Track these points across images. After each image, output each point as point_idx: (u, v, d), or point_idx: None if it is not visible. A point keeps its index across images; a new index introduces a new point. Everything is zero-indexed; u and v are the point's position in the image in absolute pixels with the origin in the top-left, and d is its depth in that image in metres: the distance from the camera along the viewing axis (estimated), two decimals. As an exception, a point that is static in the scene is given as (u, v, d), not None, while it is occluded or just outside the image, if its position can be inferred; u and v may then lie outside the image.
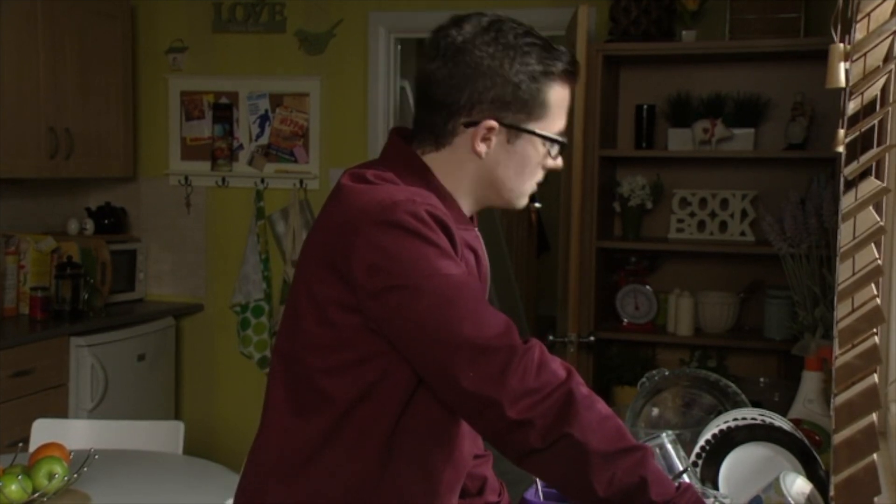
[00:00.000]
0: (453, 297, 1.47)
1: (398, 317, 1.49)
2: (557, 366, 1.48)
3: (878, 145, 1.52)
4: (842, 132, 1.69)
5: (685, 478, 1.83)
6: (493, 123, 1.60)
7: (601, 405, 1.47)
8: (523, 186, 1.69)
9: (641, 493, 1.42)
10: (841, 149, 1.63)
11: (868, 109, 1.51)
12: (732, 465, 1.93)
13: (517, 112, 1.61)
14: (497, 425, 1.45)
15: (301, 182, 4.86)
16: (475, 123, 1.60)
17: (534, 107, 1.61)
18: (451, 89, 1.60)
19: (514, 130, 1.62)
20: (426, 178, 1.63)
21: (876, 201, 1.51)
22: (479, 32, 1.60)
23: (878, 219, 1.51)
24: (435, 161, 1.65)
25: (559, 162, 1.70)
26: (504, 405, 1.42)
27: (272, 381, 1.65)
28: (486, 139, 1.61)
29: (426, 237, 1.49)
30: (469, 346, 1.44)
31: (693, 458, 1.96)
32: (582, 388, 1.46)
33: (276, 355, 1.66)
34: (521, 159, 1.65)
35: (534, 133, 1.63)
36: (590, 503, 1.46)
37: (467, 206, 1.69)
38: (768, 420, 1.97)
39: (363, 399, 1.56)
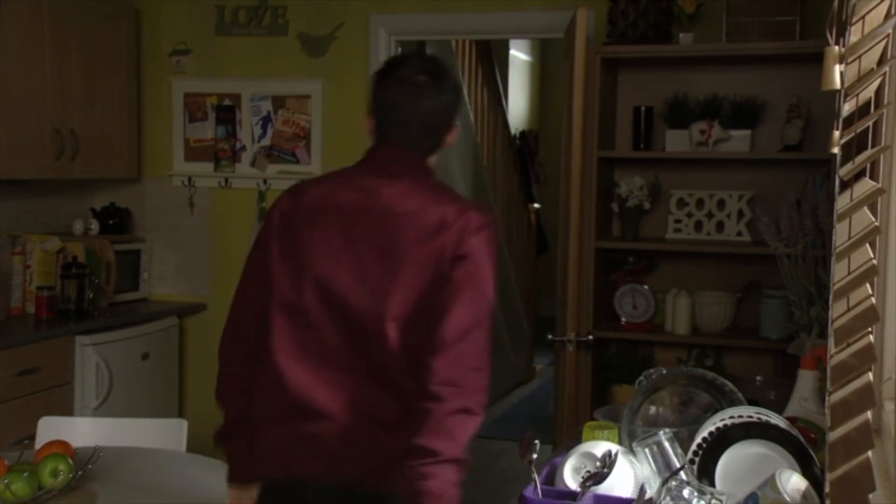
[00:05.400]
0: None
1: None
2: None
3: (873, 146, 1.54)
4: (837, 134, 1.71)
5: (682, 475, 1.86)
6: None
7: None
8: None
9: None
10: (836, 150, 1.65)
11: (863, 111, 1.53)
12: (729, 462, 1.95)
13: None
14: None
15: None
16: (453, 126, 2.25)
17: None
18: (455, 112, 2.24)
19: None
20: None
21: (871, 202, 1.53)
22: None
23: (873, 219, 1.53)
24: (431, 161, 2.23)
25: None
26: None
27: (386, 344, 2.02)
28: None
29: None
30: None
31: (690, 455, 1.98)
32: None
33: (391, 320, 2.03)
34: None
35: None
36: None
37: None
38: (764, 418, 1.99)
39: None
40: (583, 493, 1.97)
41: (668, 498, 1.77)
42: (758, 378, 3.37)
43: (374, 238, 2.08)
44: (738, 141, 4.06)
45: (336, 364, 2.08)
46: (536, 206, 8.28)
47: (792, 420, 2.19)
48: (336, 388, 2.06)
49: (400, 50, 4.91)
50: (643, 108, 4.17)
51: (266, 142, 4.99)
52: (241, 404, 2.19)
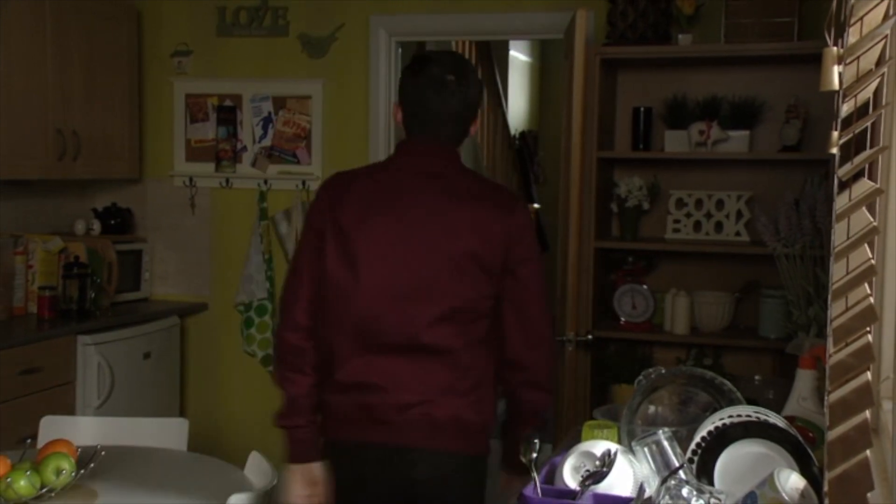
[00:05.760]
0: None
1: None
2: None
3: (871, 147, 1.54)
4: (835, 134, 1.70)
5: (681, 474, 1.87)
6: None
7: None
8: None
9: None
10: (835, 150, 1.65)
11: (861, 112, 1.52)
12: (728, 461, 1.94)
13: None
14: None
15: (303, 183, 4.90)
16: (476, 118, 2.46)
17: None
18: (479, 106, 2.45)
19: None
20: None
21: (869, 202, 1.53)
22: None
23: (872, 219, 1.52)
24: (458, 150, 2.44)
25: None
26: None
27: (439, 329, 2.26)
28: None
29: None
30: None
31: (689, 454, 1.98)
32: None
33: (442, 307, 2.27)
34: None
35: None
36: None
37: None
38: (763, 417, 1.99)
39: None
40: (582, 492, 1.98)
41: (666, 497, 1.78)
42: (756, 377, 3.39)
43: (421, 231, 2.28)
44: (736, 141, 4.07)
45: (391, 345, 2.30)
46: (536, 206, 8.28)
47: (790, 419, 2.19)
48: (391, 366, 2.29)
49: (400, 51, 4.92)
50: (642, 109, 4.18)
51: (267, 142, 5.00)
52: (300, 386, 2.37)
